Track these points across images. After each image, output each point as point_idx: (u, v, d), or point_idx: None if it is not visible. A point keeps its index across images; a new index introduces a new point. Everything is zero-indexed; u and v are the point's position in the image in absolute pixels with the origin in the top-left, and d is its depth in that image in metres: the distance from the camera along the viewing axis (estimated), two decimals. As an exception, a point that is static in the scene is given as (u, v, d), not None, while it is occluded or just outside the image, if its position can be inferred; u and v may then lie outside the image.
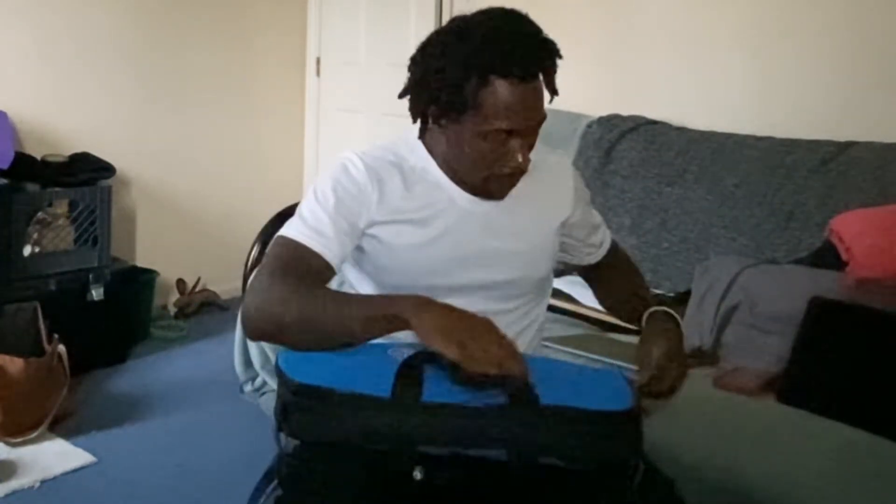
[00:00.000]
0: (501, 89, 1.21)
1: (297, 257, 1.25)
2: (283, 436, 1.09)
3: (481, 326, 1.11)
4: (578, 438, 1.06)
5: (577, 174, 1.53)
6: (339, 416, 1.05)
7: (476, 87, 1.21)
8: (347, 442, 1.06)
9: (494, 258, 1.39)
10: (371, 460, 1.06)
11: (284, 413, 1.07)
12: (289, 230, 1.28)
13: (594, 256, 1.59)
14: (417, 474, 1.03)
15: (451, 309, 1.12)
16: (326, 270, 1.26)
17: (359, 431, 1.05)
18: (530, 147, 1.29)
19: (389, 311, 1.13)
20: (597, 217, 1.58)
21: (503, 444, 1.04)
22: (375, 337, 1.16)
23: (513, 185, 1.34)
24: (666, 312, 1.39)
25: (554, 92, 1.29)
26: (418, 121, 1.35)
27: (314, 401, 1.06)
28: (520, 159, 1.26)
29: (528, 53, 1.21)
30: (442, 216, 1.37)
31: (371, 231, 1.35)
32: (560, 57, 1.27)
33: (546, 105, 1.30)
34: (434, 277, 1.37)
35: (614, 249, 1.62)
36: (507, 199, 1.40)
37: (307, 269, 1.24)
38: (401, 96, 1.33)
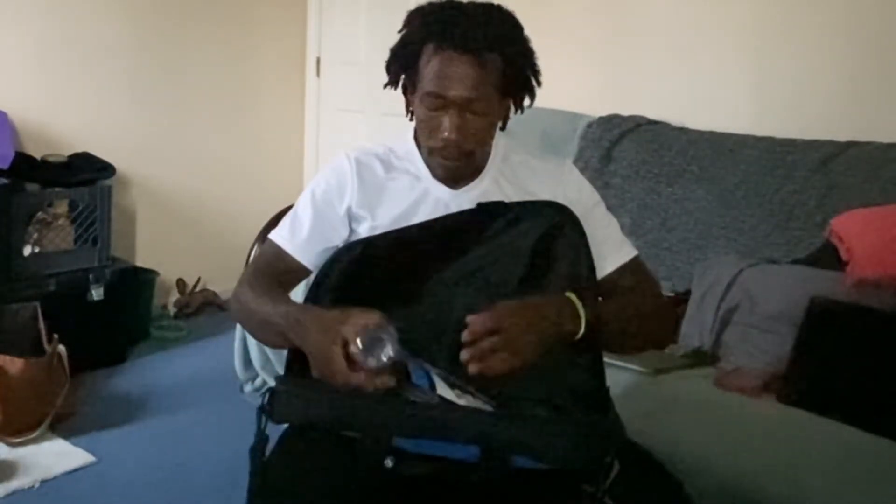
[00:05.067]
0: (437, 55, 1.28)
1: (272, 259, 1.40)
2: (264, 419, 1.14)
3: (328, 349, 1.12)
4: (554, 431, 1.07)
5: (574, 185, 1.44)
6: (319, 400, 1.11)
7: (422, 50, 1.31)
8: (326, 426, 1.11)
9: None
10: (344, 448, 1.09)
11: (270, 398, 1.13)
12: (273, 231, 1.43)
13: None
14: (388, 462, 1.06)
15: (310, 328, 1.17)
16: (298, 269, 1.40)
17: (337, 416, 1.09)
18: (464, 127, 1.30)
19: (284, 329, 1.22)
20: (603, 233, 1.42)
21: (476, 436, 1.06)
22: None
23: (450, 166, 1.35)
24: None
25: (512, 90, 1.33)
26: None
27: (297, 386, 1.13)
28: (446, 133, 1.30)
29: (467, 29, 1.26)
30: (418, 210, 1.38)
31: (353, 220, 1.40)
32: (518, 51, 1.31)
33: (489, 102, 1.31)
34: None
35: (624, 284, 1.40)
36: (487, 197, 1.39)
37: (283, 269, 1.39)
38: (387, 69, 1.40)
